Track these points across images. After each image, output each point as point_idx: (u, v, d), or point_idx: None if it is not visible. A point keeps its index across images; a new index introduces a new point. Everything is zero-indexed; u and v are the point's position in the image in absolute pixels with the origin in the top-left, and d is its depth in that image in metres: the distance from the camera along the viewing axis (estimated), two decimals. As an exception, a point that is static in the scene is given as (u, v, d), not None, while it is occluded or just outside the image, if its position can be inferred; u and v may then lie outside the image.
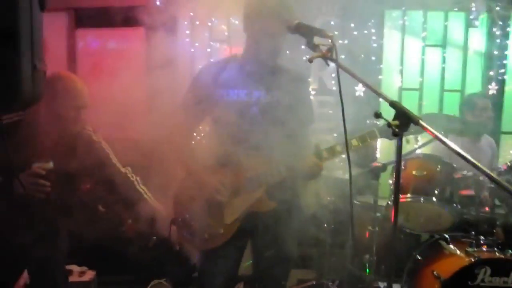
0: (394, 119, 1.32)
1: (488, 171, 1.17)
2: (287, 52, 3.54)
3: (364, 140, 2.01)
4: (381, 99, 3.99)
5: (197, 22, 4.01)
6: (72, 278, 3.20)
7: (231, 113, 2.01)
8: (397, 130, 1.29)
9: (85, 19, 4.09)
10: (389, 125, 1.30)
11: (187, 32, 4.03)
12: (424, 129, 1.26)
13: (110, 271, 3.62)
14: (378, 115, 1.32)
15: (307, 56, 1.60)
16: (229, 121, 2.01)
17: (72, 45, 4.17)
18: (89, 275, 3.29)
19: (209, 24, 4.01)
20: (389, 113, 1.45)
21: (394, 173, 2.91)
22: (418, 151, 2.82)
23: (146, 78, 4.09)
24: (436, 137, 1.26)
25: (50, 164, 2.14)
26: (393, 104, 1.32)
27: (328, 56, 1.53)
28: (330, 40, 1.53)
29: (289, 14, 1.87)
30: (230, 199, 2.01)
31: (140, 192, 2.44)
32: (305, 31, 1.64)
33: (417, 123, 1.27)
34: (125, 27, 4.04)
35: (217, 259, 2.05)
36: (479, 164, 1.20)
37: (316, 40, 1.61)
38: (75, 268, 3.35)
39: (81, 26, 4.14)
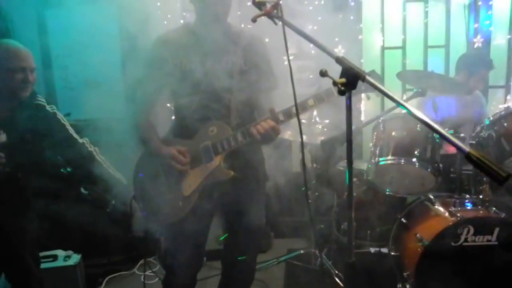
0: (341, 76, 1.20)
1: (437, 126, 1.06)
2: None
3: (321, 99, 1.91)
4: (362, 60, 3.85)
5: (168, -7, 3.84)
6: (58, 263, 3.15)
7: (186, 83, 1.93)
8: (343, 88, 1.18)
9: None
10: (334, 83, 1.18)
11: (158, 4, 3.86)
12: (371, 85, 1.15)
13: (97, 254, 3.59)
14: (323, 73, 1.21)
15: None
16: (185, 90, 1.94)
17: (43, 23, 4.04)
18: (74, 259, 3.23)
19: (180, -6, 3.84)
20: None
21: (374, 135, 2.83)
22: (397, 111, 2.70)
23: (118, 54, 3.99)
24: (384, 94, 1.15)
25: (3, 136, 2.07)
26: (339, 60, 1.21)
27: (273, 13, 1.40)
28: (274, -3, 1.40)
29: None
30: (187, 170, 1.96)
31: (99, 162, 2.40)
32: (249, -12, 1.50)
33: (363, 80, 1.16)
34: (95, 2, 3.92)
35: (180, 234, 1.99)
36: (438, 127, 1.08)
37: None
38: (60, 252, 3.29)
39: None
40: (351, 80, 1.19)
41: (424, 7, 3.89)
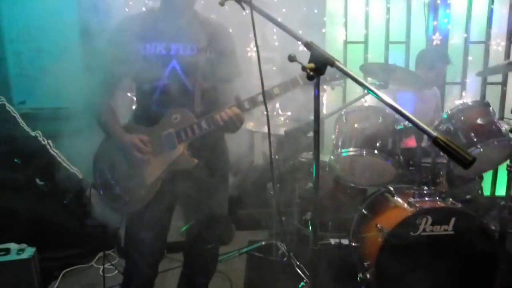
0: (309, 62, 1.20)
1: (409, 115, 1.07)
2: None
3: (286, 88, 1.91)
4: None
5: (129, -21, 3.73)
6: (11, 257, 3.01)
7: (149, 68, 1.88)
8: (311, 73, 1.17)
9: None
10: (303, 68, 1.17)
11: (119, -11, 3.75)
12: (340, 70, 1.15)
13: (52, 247, 3.46)
14: (292, 59, 1.20)
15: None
16: (148, 76, 1.89)
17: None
18: (29, 252, 3.10)
19: (142, -20, 3.74)
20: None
21: (337, 127, 2.86)
22: (359, 103, 2.74)
23: (77, 40, 3.85)
24: (354, 79, 1.15)
25: None
26: (307, 45, 1.20)
27: (240, -3, 1.38)
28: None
29: None
30: (149, 158, 1.91)
31: (53, 155, 2.31)
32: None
33: (332, 65, 1.15)
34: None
35: (142, 222, 1.95)
36: (399, 107, 1.09)
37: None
38: (13, 246, 3.15)
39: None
40: (319, 66, 1.18)
41: (386, 3, 3.97)
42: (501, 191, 4.20)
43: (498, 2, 3.99)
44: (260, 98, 1.83)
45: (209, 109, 1.93)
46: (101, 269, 3.41)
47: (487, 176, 4.02)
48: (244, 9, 1.46)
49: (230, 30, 2.07)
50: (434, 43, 3.93)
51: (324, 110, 3.98)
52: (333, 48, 3.85)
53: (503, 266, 2.55)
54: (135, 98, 2.11)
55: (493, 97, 4.08)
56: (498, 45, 4.03)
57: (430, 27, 4.00)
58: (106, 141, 2.02)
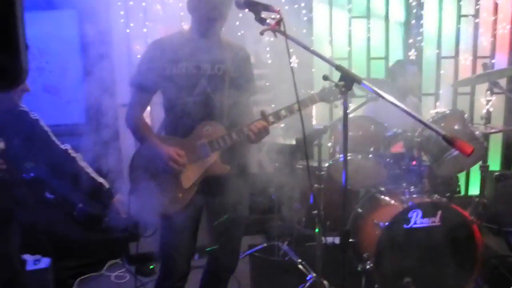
0: (340, 80, 1.52)
1: (427, 123, 1.40)
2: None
3: (305, 104, 2.22)
4: (313, 69, 4.23)
5: (131, 3, 4.00)
6: (28, 267, 3.18)
7: (181, 85, 2.13)
8: (343, 89, 1.49)
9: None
10: (336, 85, 1.49)
11: (122, 13, 4.01)
12: (367, 88, 1.47)
13: (64, 257, 3.63)
14: (326, 78, 1.52)
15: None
16: (179, 92, 2.14)
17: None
18: (45, 262, 3.27)
19: (144, 4, 4.01)
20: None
21: (333, 135, 3.20)
22: (352, 114, 3.08)
23: (81, 61, 4.07)
24: (378, 94, 1.48)
25: (2, 144, 2.15)
26: (338, 68, 1.52)
27: (276, 28, 1.69)
28: (277, 14, 1.69)
29: None
30: (186, 165, 2.14)
31: (82, 167, 2.47)
32: (253, 6, 1.78)
33: (359, 83, 1.48)
34: (56, 10, 3.97)
35: (179, 222, 2.17)
36: (418, 115, 1.43)
37: (264, 14, 1.77)
38: (28, 257, 3.32)
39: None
40: (348, 83, 1.50)
41: (367, 23, 4.36)
42: (473, 191, 4.64)
43: (464, 22, 4.47)
44: (283, 112, 2.13)
45: (234, 122, 2.22)
46: (112, 275, 3.62)
47: (461, 177, 4.44)
48: (276, 36, 1.76)
49: (248, 52, 2.36)
50: (410, 58, 4.35)
51: (314, 122, 4.32)
52: (320, 65, 4.19)
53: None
54: (164, 111, 2.33)
55: (463, 106, 4.54)
56: (466, 60, 4.50)
57: (406, 44, 4.43)
58: (141, 150, 2.24)
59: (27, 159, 2.49)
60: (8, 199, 2.35)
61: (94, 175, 2.53)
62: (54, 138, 2.46)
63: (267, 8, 1.74)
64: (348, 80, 1.50)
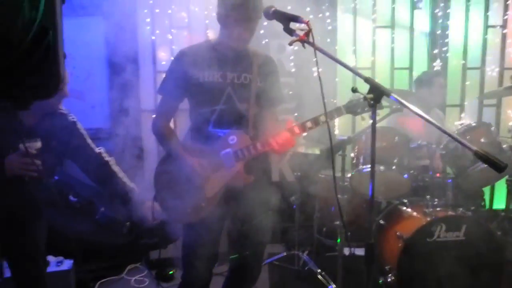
0: (369, 93, 1.51)
1: (458, 138, 1.38)
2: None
3: (332, 116, 2.21)
4: (337, 79, 4.23)
5: (157, 10, 4.06)
6: (50, 268, 3.23)
7: (207, 94, 2.15)
8: (372, 102, 1.48)
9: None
10: (364, 98, 1.49)
11: (147, 20, 4.07)
12: (396, 100, 1.46)
13: (85, 260, 3.68)
14: (354, 90, 1.51)
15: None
16: (206, 101, 2.16)
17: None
18: (67, 264, 3.33)
19: (169, 11, 4.06)
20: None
21: (356, 146, 3.18)
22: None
23: (106, 67, 4.14)
24: (407, 107, 1.47)
25: (39, 143, 2.19)
26: (367, 80, 1.51)
27: (305, 40, 1.69)
28: (306, 25, 1.69)
29: (259, 3, 2.05)
30: (210, 174, 2.15)
31: (114, 172, 2.51)
32: (282, 17, 1.79)
33: (388, 96, 1.47)
34: (83, 17, 4.05)
35: (202, 230, 2.18)
36: (446, 130, 1.41)
37: (292, 25, 1.77)
38: (51, 258, 3.37)
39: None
40: (377, 96, 1.49)
41: (391, 33, 4.33)
42: (498, 204, 4.54)
43: (491, 32, 4.40)
44: (309, 124, 2.13)
45: (259, 132, 2.22)
46: (132, 280, 3.65)
47: (486, 190, 4.35)
48: (304, 47, 1.76)
49: (275, 61, 2.37)
50: (435, 69, 4.31)
51: (336, 132, 4.30)
52: (344, 74, 4.19)
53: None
54: (190, 118, 2.35)
55: (489, 118, 4.47)
56: (492, 71, 4.43)
57: (431, 54, 4.39)
58: (167, 158, 2.26)
59: (62, 161, 2.54)
60: (39, 197, 2.38)
61: (126, 180, 2.57)
62: (89, 141, 2.51)
63: (296, 19, 1.74)
64: (377, 93, 1.49)
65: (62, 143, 2.38)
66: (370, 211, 1.70)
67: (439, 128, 1.40)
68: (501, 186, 4.08)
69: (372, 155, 1.57)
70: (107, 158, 2.50)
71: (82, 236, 3.73)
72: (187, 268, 2.29)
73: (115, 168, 2.51)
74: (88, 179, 2.61)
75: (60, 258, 3.41)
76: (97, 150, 2.49)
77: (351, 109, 2.20)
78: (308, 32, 1.70)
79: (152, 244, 4.01)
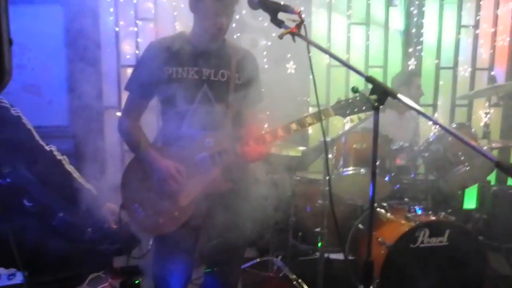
0: (371, 93, 1.34)
1: (480, 148, 1.23)
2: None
3: (318, 117, 2.03)
4: (311, 76, 4.09)
5: (122, 0, 3.77)
6: (1, 282, 2.93)
7: (181, 92, 1.94)
8: (376, 104, 1.32)
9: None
10: (367, 99, 1.32)
11: (111, 10, 3.78)
12: (402, 102, 1.30)
13: (41, 271, 3.37)
14: (355, 90, 1.34)
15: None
16: (179, 100, 1.95)
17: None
18: (20, 277, 3.02)
19: (134, 1, 3.78)
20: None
21: (335, 147, 3.03)
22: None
23: (65, 59, 3.83)
24: (413, 108, 1.31)
25: None
26: (369, 79, 1.35)
27: (296, 32, 1.52)
28: (298, 16, 1.51)
29: None
30: (184, 180, 1.93)
31: (68, 171, 2.26)
32: (269, 7, 1.61)
33: (395, 97, 1.31)
34: (40, 4, 3.72)
35: (173, 243, 1.97)
36: (454, 131, 1.26)
37: (281, 15, 1.59)
38: (2, 271, 3.06)
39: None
40: (381, 97, 1.33)
41: (366, 30, 4.22)
42: (468, 204, 4.53)
43: (464, 32, 4.37)
44: (294, 126, 1.95)
45: (238, 133, 2.02)
46: (94, 291, 3.38)
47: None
48: (294, 41, 1.59)
49: (255, 57, 2.17)
50: (409, 68, 4.23)
51: (310, 131, 4.16)
52: (317, 71, 4.04)
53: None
54: (161, 119, 2.13)
55: (460, 118, 4.46)
56: (465, 71, 4.41)
57: (405, 53, 4.31)
58: (135, 162, 2.04)
59: (6, 161, 2.26)
60: None
61: (81, 180, 2.34)
62: (38, 138, 2.26)
63: (286, 9, 1.56)
64: (381, 94, 1.33)
65: (5, 141, 2.13)
66: (370, 219, 1.55)
67: (456, 137, 1.25)
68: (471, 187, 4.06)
69: (373, 156, 1.42)
70: (59, 156, 2.25)
71: (37, 245, 3.43)
72: (158, 284, 2.07)
73: (69, 167, 2.27)
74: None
75: (13, 270, 3.11)
76: (47, 147, 2.23)
77: (340, 110, 2.00)
78: (300, 24, 1.52)
79: (114, 251, 3.73)
